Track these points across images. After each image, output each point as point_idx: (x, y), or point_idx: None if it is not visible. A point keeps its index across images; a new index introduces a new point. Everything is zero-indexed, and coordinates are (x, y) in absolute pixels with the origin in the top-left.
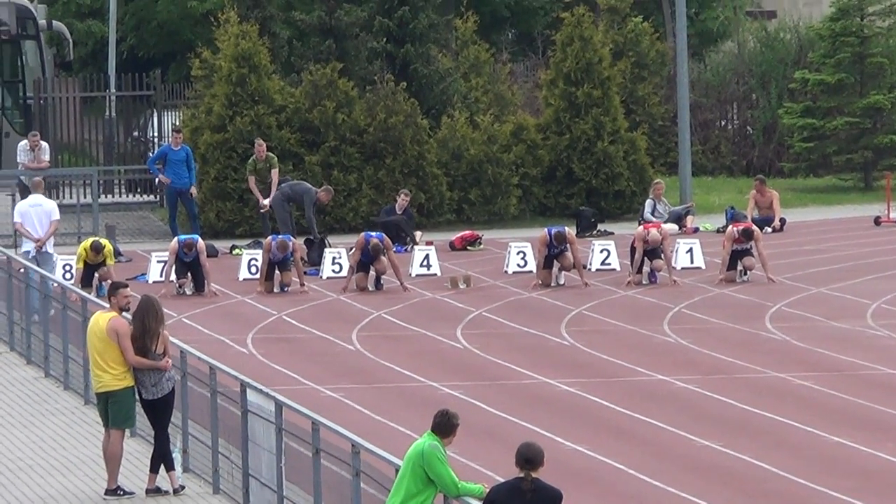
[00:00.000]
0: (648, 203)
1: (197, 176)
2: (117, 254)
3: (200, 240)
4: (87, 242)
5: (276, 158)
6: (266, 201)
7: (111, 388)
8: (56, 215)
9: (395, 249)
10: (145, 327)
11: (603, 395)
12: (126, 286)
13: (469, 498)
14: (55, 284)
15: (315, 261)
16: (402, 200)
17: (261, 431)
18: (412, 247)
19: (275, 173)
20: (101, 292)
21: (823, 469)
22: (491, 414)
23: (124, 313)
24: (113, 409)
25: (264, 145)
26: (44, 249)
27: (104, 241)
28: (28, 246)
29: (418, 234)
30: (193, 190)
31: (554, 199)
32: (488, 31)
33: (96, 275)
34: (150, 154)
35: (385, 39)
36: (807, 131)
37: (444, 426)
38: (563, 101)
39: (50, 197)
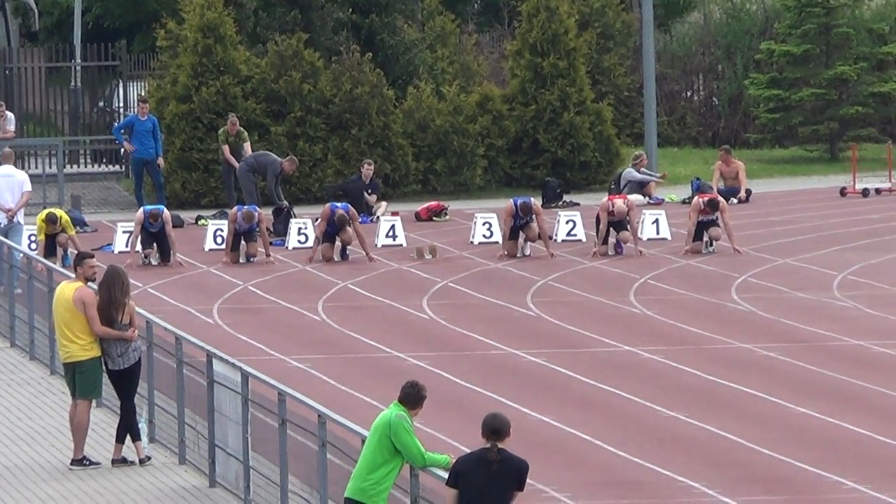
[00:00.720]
0: (627, 173)
1: (163, 146)
2: (82, 224)
3: (166, 210)
4: (43, 214)
5: (246, 133)
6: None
7: (78, 358)
8: (28, 186)
9: (360, 220)
10: (111, 297)
11: (569, 365)
12: (92, 256)
13: (435, 468)
14: (21, 255)
15: (281, 231)
16: (367, 170)
17: (227, 402)
18: (376, 218)
19: (247, 146)
20: (66, 262)
21: (789, 439)
22: (457, 384)
23: (90, 283)
24: (80, 380)
25: (238, 122)
26: (15, 220)
27: (58, 212)
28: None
29: (383, 204)
30: (160, 161)
31: (520, 169)
32: (454, 1)
33: (57, 243)
34: (116, 125)
35: (351, 10)
36: (773, 102)
37: (412, 397)
38: (529, 72)
39: (15, 167)
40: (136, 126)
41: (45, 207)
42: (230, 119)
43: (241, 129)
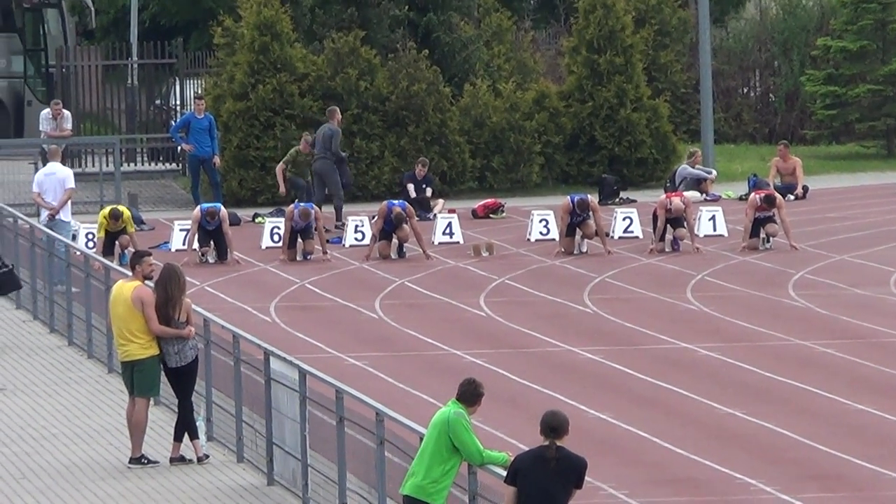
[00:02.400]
0: (682, 170)
1: (219, 144)
2: (139, 222)
3: (223, 208)
4: (106, 210)
5: None
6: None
7: (137, 356)
8: (70, 183)
9: (417, 217)
10: (168, 295)
11: (626, 362)
12: (149, 255)
13: (494, 466)
14: (77, 253)
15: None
16: (420, 170)
17: (285, 400)
18: (434, 215)
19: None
20: (123, 261)
21: (847, 436)
22: (514, 382)
23: (147, 282)
24: (138, 378)
25: (312, 140)
26: (58, 217)
27: (122, 208)
28: (44, 215)
29: (440, 202)
30: (217, 159)
31: (576, 166)
32: None
33: (117, 243)
34: (173, 122)
35: (407, 7)
36: (829, 98)
37: (470, 395)
38: (586, 69)
39: (72, 166)
40: (192, 124)
41: (102, 205)
42: (304, 137)
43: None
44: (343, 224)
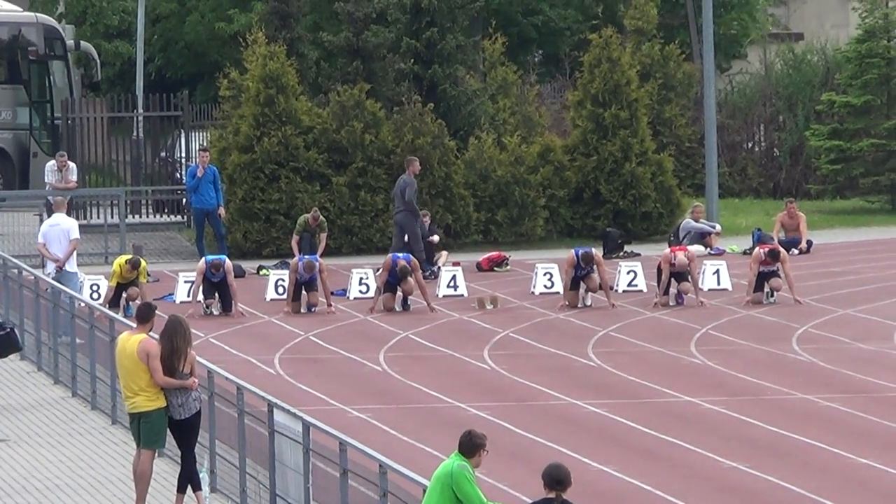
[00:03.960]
0: (686, 224)
1: (224, 196)
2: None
3: (228, 260)
4: (123, 258)
5: (326, 224)
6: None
7: (144, 408)
8: (74, 234)
9: (421, 271)
10: (174, 347)
11: (630, 416)
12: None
13: None
14: (82, 304)
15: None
16: (423, 221)
17: (288, 452)
18: (437, 269)
19: (324, 236)
20: (127, 312)
21: (851, 491)
22: (518, 435)
23: (152, 333)
24: (145, 429)
25: (319, 215)
26: (65, 269)
27: (141, 259)
28: (50, 267)
29: (444, 254)
30: (221, 210)
31: (581, 220)
32: (516, 52)
33: (124, 294)
34: (178, 175)
35: (413, 60)
36: (833, 153)
37: (467, 445)
38: (591, 123)
39: (77, 217)
40: (197, 176)
41: (106, 258)
42: (312, 212)
43: (323, 219)
44: (437, 268)
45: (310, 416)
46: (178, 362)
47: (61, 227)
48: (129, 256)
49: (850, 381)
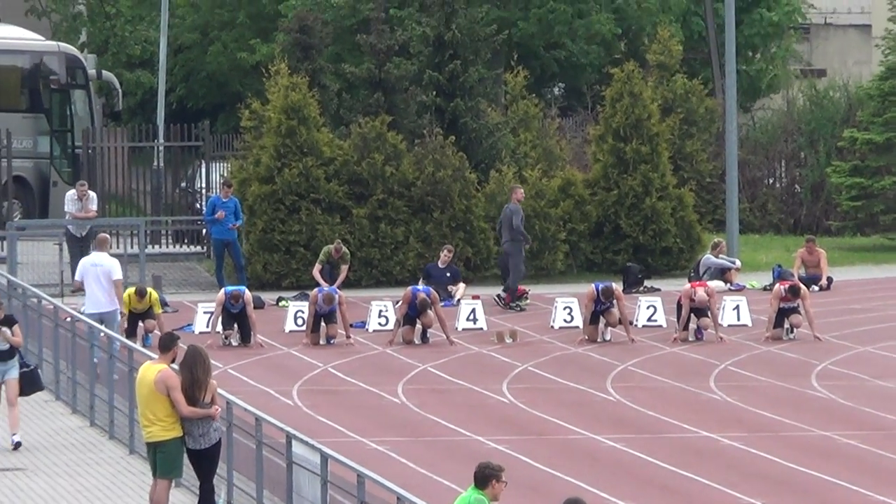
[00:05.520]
0: (706, 259)
1: (244, 227)
2: (164, 304)
3: (247, 291)
4: (132, 289)
5: (349, 255)
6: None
7: (160, 438)
8: (117, 275)
9: (441, 304)
10: (194, 378)
11: (648, 451)
12: (178, 338)
13: None
14: (101, 335)
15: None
16: (445, 256)
17: (306, 483)
18: (456, 301)
19: (345, 268)
20: (146, 343)
21: None
22: (536, 469)
23: (172, 365)
24: (161, 459)
25: (342, 247)
26: (107, 309)
27: (149, 288)
28: (90, 307)
29: (461, 286)
30: (238, 226)
31: (601, 254)
32: (538, 86)
33: (142, 325)
34: (198, 206)
35: (434, 93)
36: (855, 190)
37: (479, 476)
38: (612, 157)
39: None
40: (217, 206)
41: (125, 287)
42: (335, 244)
43: (346, 251)
44: (510, 301)
45: (328, 447)
46: (198, 393)
47: (103, 268)
48: (137, 286)
49: (869, 418)
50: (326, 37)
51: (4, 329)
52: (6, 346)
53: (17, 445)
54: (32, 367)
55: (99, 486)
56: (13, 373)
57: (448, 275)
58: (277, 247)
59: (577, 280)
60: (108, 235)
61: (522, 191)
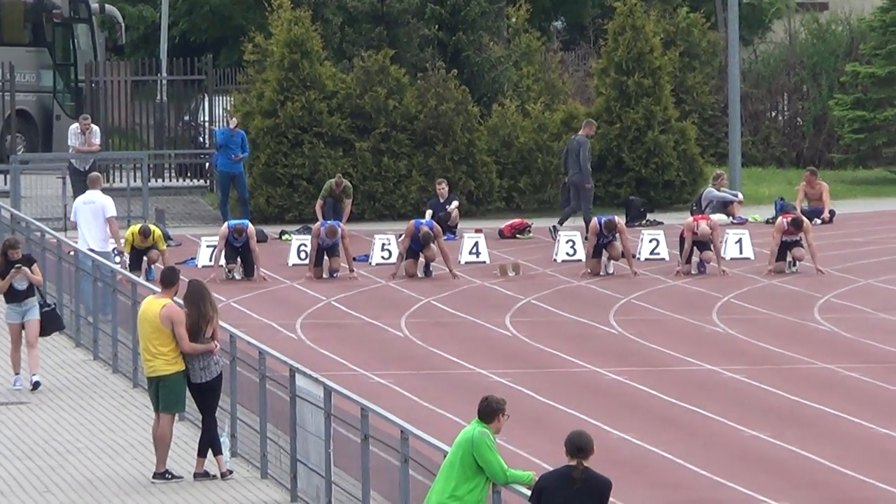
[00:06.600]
0: (708, 193)
1: (248, 161)
2: (167, 238)
3: (250, 225)
4: (136, 227)
5: (351, 189)
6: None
7: (162, 372)
8: (110, 211)
9: (444, 237)
10: (201, 312)
11: (651, 384)
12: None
13: (518, 485)
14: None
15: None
16: (441, 190)
17: (309, 417)
18: (459, 235)
19: (348, 203)
20: (150, 276)
21: (872, 460)
22: (539, 402)
23: (176, 298)
24: (163, 393)
25: (343, 181)
26: (100, 249)
27: (152, 227)
28: (83, 245)
29: (454, 202)
30: (241, 156)
31: (604, 188)
32: (540, 19)
33: (145, 258)
34: (201, 139)
35: (437, 27)
36: (857, 123)
37: (486, 411)
38: (614, 90)
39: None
40: (224, 139)
41: (129, 221)
42: (336, 178)
43: (348, 184)
44: (556, 231)
45: (331, 381)
46: (205, 327)
47: (95, 205)
48: (141, 225)
49: (872, 351)
50: None
51: (24, 268)
52: (25, 285)
53: (36, 385)
54: (52, 305)
55: (102, 419)
56: (34, 313)
57: (448, 207)
58: (280, 180)
59: (579, 213)
60: (99, 174)
61: (595, 125)
